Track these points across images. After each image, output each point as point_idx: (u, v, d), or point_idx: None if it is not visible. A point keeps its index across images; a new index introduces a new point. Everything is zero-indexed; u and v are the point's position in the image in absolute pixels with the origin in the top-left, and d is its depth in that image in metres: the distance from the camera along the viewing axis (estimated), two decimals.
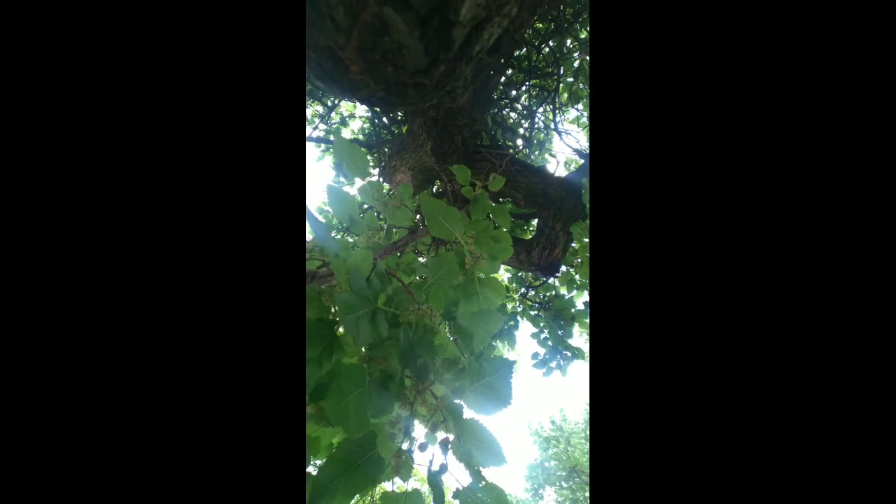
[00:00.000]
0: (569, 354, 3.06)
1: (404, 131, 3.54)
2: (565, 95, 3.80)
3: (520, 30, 0.53)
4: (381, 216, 1.23)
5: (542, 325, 3.33)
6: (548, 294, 3.69)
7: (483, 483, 0.61)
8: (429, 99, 0.46)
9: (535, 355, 3.11)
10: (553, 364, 3.05)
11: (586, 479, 7.73)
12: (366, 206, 1.11)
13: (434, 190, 3.08)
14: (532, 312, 3.58)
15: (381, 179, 2.61)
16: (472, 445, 0.66)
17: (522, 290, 3.79)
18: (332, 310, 0.60)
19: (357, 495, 0.63)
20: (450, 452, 0.67)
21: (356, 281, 0.57)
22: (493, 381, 0.61)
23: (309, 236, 0.92)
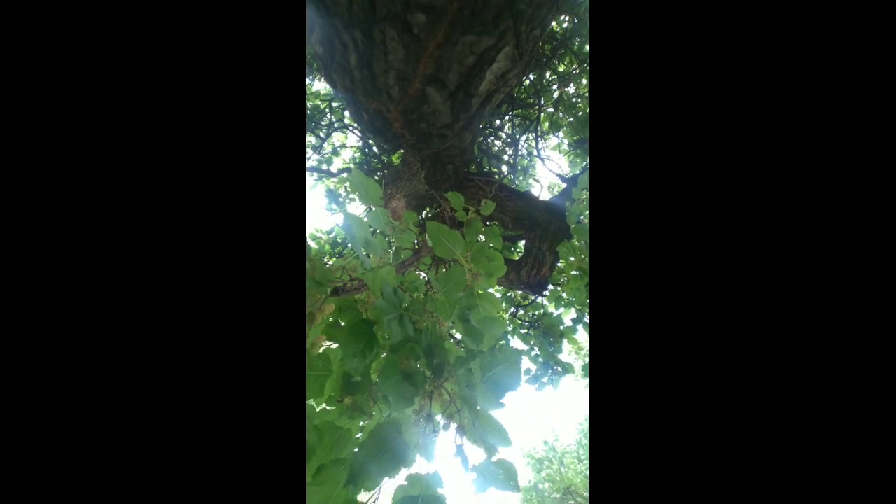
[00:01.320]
0: (559, 369, 3.17)
1: (394, 160, 3.71)
2: (546, 124, 4.05)
3: (515, 89, 0.70)
4: (389, 239, 1.36)
5: (532, 342, 3.45)
6: (537, 312, 3.82)
7: (496, 458, 0.73)
8: (447, 144, 0.61)
9: (527, 371, 3.21)
10: (545, 379, 3.15)
11: (580, 499, 7.67)
12: (374, 230, 1.25)
13: (424, 215, 3.23)
14: (522, 331, 3.70)
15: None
16: (483, 430, 0.78)
17: (513, 309, 3.91)
18: (364, 314, 0.72)
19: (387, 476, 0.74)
20: (464, 437, 0.79)
21: (386, 290, 0.70)
22: (504, 369, 0.73)
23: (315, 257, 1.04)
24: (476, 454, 0.78)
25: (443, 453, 0.80)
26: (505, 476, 0.71)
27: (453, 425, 0.81)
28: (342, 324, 0.73)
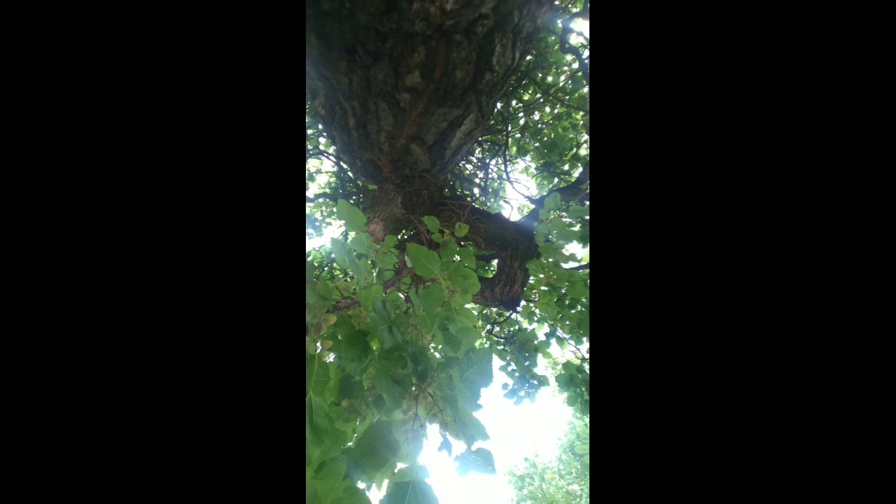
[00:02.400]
0: (535, 383, 3.30)
1: (369, 186, 3.85)
2: (514, 149, 4.29)
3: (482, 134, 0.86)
4: (372, 260, 1.48)
5: (508, 358, 3.57)
6: (511, 329, 3.96)
7: (475, 448, 0.84)
8: (426, 182, 0.75)
9: (504, 386, 3.31)
10: (522, 393, 3.26)
11: None
12: (356, 253, 1.37)
13: (401, 237, 3.35)
14: (499, 347, 3.82)
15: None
16: (463, 425, 0.90)
17: (488, 326, 4.04)
18: (357, 327, 0.83)
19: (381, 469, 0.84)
20: (447, 432, 0.90)
21: (377, 305, 0.81)
22: (478, 369, 0.85)
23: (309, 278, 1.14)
24: (458, 446, 0.90)
25: (429, 450, 0.90)
26: (483, 462, 0.82)
27: (437, 424, 0.93)
28: (339, 337, 0.83)
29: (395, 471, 0.86)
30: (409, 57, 0.63)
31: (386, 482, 0.84)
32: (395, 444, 0.87)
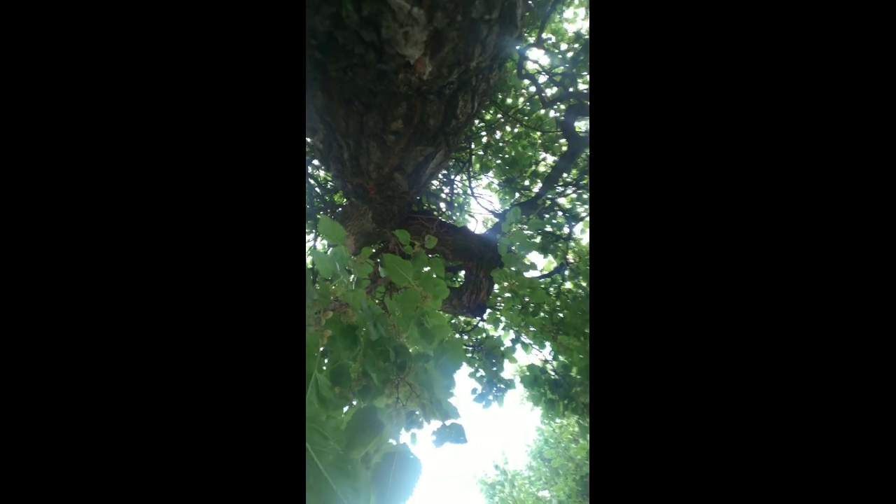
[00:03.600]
0: (502, 387, 3.47)
1: (336, 199, 3.96)
2: (477, 166, 4.54)
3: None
4: (348, 269, 1.62)
5: (476, 364, 3.73)
6: (479, 336, 4.14)
7: (449, 424, 1.00)
8: (404, 201, 0.91)
9: (473, 391, 3.46)
10: (490, 397, 3.42)
11: None
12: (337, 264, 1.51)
13: (372, 249, 3.48)
14: (468, 354, 3.98)
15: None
16: (438, 407, 1.05)
17: (457, 335, 4.20)
18: (346, 324, 0.97)
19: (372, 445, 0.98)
20: (425, 412, 1.05)
21: (363, 305, 0.95)
22: (450, 355, 1.00)
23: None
24: (434, 424, 1.07)
25: (409, 429, 1.06)
26: (455, 434, 0.98)
27: (417, 404, 1.08)
28: (331, 332, 0.97)
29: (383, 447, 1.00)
30: (395, 109, 0.82)
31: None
32: (381, 424, 1.01)
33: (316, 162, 3.67)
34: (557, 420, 7.19)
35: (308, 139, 0.93)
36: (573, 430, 8.00)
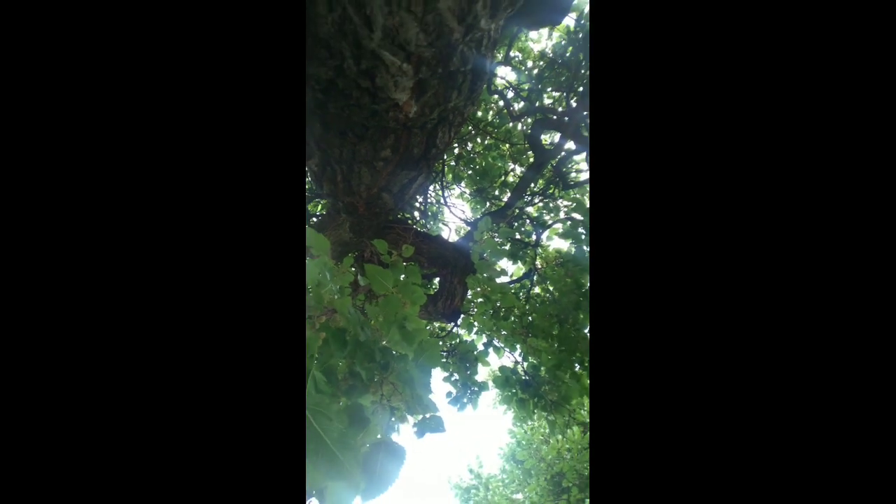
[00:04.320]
0: (476, 389, 3.60)
1: (310, 208, 4.01)
2: (450, 176, 4.69)
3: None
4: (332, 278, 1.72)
5: (451, 369, 3.85)
6: (453, 342, 4.26)
7: (429, 416, 1.12)
8: (388, 215, 1.03)
9: (448, 394, 3.57)
10: (465, 399, 3.54)
11: None
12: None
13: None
14: (442, 359, 4.09)
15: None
16: (417, 403, 1.17)
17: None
18: (335, 328, 1.07)
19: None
20: (406, 408, 1.16)
21: (350, 310, 1.05)
22: (428, 354, 1.12)
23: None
24: (415, 418, 1.19)
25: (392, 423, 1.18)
26: (435, 424, 1.10)
27: (399, 400, 1.19)
28: (323, 333, 1.07)
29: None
30: (384, 140, 0.94)
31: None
32: (367, 420, 1.12)
33: None
34: (529, 422, 7.38)
35: (306, 163, 1.04)
36: (544, 430, 8.19)
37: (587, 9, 3.50)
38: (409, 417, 1.21)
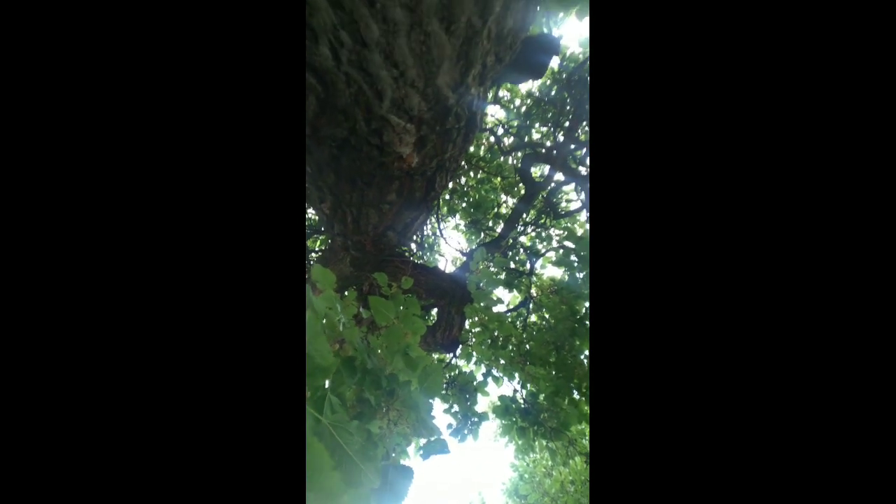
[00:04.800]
0: (476, 420, 3.60)
1: (309, 244, 4.11)
2: (445, 209, 4.85)
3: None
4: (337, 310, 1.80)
5: (451, 400, 3.85)
6: (453, 374, 4.28)
7: (433, 439, 1.18)
8: (392, 251, 1.14)
9: (449, 426, 3.57)
10: (465, 430, 3.53)
11: None
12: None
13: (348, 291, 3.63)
14: (442, 392, 4.09)
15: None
16: (422, 427, 1.24)
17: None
18: (345, 356, 1.15)
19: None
20: (411, 432, 1.23)
21: (357, 340, 1.14)
22: (432, 379, 1.20)
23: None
24: (421, 441, 1.25)
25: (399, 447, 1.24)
26: (439, 447, 1.17)
27: (406, 425, 1.26)
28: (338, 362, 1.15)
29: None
30: (389, 186, 1.07)
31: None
32: (376, 444, 1.19)
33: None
34: (530, 454, 7.24)
35: (318, 206, 1.14)
36: (546, 463, 8.02)
37: (569, 52, 3.77)
38: (414, 439, 1.27)
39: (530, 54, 1.34)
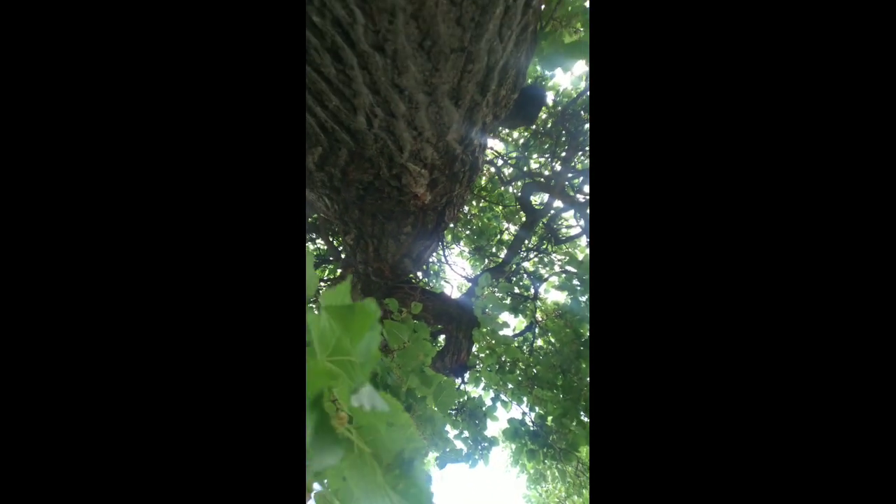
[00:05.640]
0: (486, 444, 3.63)
1: (318, 273, 4.26)
2: (449, 237, 5.01)
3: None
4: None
5: (460, 426, 3.89)
6: (461, 399, 4.31)
7: (447, 450, 1.29)
8: (406, 277, 1.29)
9: (459, 452, 3.59)
10: (476, 455, 3.55)
11: None
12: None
13: None
14: (452, 418, 4.13)
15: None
16: (438, 438, 1.34)
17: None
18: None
19: None
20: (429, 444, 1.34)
21: (381, 359, 1.27)
22: (447, 393, 1.31)
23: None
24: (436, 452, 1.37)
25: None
26: (454, 456, 1.27)
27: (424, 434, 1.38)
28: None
29: None
30: (406, 219, 1.24)
31: None
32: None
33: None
34: (543, 484, 7.08)
35: (340, 237, 1.29)
36: (559, 494, 7.84)
37: (562, 88, 4.02)
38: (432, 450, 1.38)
39: (522, 106, 1.57)
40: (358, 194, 1.25)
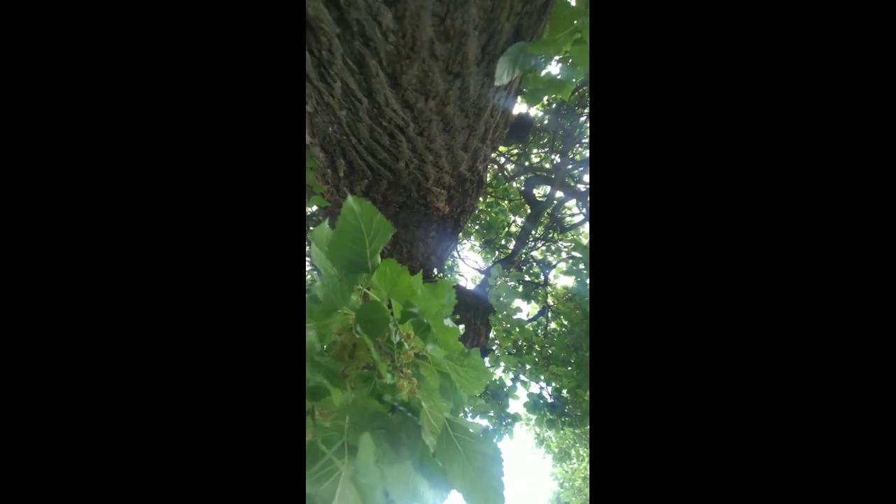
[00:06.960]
0: (510, 420, 3.96)
1: None
2: (461, 234, 5.32)
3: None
4: None
5: (486, 407, 4.22)
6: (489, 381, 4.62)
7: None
8: (432, 272, 1.64)
9: (485, 429, 3.92)
10: (501, 430, 3.89)
11: None
12: None
13: None
14: (478, 399, 4.45)
15: None
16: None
17: None
18: None
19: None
20: None
21: None
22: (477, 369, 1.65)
23: None
24: None
25: None
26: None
27: None
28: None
29: None
30: (430, 226, 1.60)
31: None
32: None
33: None
34: (567, 462, 7.40)
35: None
36: (584, 472, 8.14)
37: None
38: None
39: (513, 132, 1.96)
40: (394, 211, 1.62)
